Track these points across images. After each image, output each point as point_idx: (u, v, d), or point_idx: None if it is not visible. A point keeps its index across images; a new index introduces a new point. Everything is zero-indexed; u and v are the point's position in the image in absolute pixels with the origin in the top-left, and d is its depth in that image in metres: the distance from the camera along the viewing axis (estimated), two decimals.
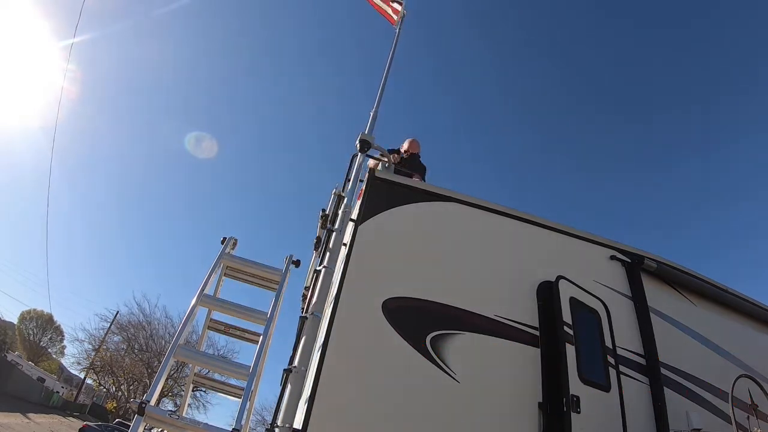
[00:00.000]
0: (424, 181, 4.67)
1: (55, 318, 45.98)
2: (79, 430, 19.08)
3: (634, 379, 3.04)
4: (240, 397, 2.68)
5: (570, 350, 2.75)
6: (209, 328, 3.73)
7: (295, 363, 2.50)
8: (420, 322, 2.75)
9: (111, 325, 31.13)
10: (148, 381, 27.97)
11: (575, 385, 2.63)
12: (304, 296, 4.30)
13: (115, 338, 31.71)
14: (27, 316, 44.97)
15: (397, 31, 5.32)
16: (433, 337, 2.70)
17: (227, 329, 3.66)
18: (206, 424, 2.46)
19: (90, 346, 31.44)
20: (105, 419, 31.44)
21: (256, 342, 3.20)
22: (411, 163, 4.74)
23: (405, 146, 4.84)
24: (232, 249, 3.56)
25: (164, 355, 3.41)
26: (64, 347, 45.13)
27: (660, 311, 3.42)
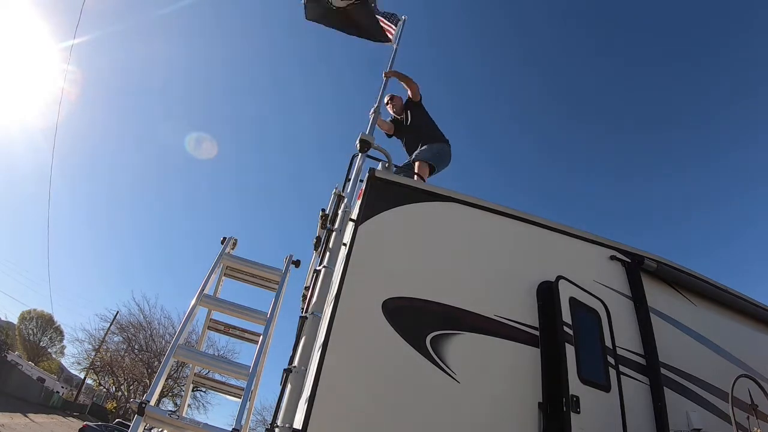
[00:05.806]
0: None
1: (55, 318, 46.05)
2: (79, 430, 19.07)
3: (634, 379, 3.03)
4: (240, 397, 2.69)
5: (570, 350, 2.74)
6: (209, 328, 3.74)
7: (295, 363, 2.50)
8: (420, 322, 2.74)
9: (111, 325, 31.16)
10: (148, 381, 27.96)
11: (575, 385, 2.63)
12: (304, 296, 4.30)
13: (115, 338, 31.74)
14: (27, 316, 45.01)
15: (395, 47, 4.98)
16: (433, 337, 2.70)
17: (227, 329, 3.66)
18: (206, 424, 2.46)
19: (90, 346, 31.50)
20: (105, 419, 31.42)
21: (256, 342, 3.20)
22: (419, 111, 4.69)
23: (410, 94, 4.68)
24: (232, 249, 3.56)
25: (164, 355, 3.41)
26: (64, 347, 45.21)
27: (660, 311, 3.41)
